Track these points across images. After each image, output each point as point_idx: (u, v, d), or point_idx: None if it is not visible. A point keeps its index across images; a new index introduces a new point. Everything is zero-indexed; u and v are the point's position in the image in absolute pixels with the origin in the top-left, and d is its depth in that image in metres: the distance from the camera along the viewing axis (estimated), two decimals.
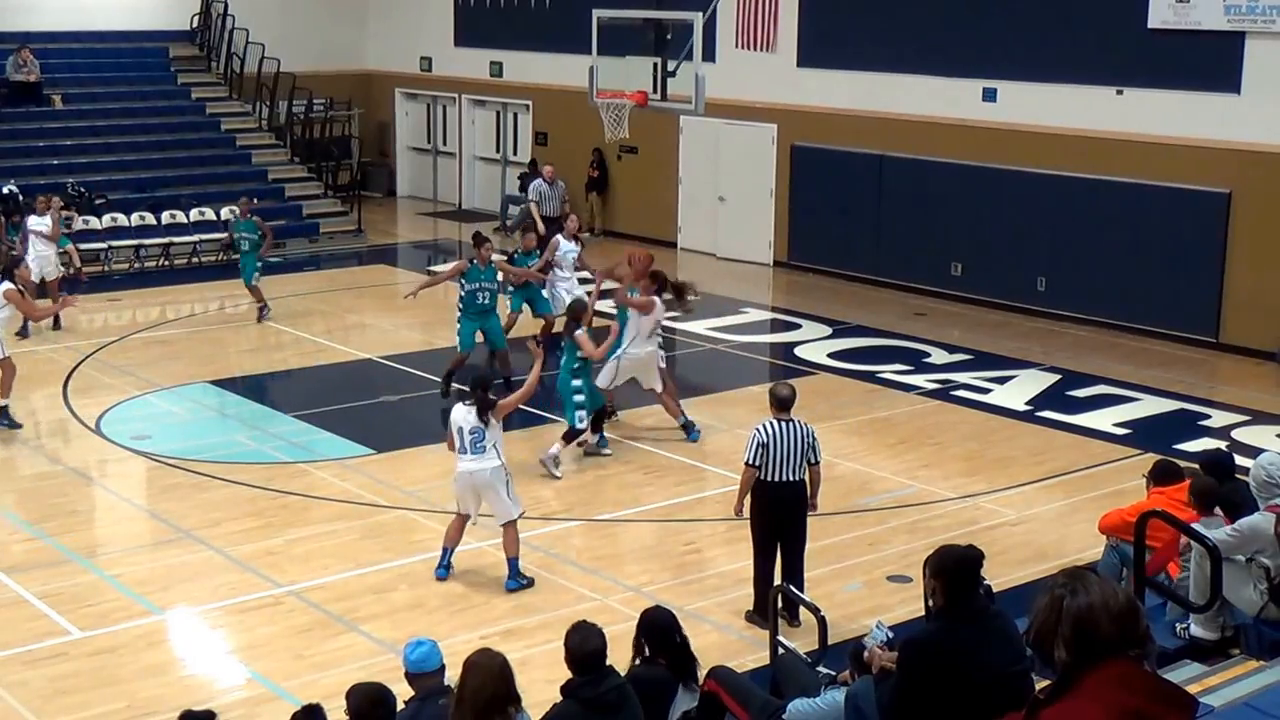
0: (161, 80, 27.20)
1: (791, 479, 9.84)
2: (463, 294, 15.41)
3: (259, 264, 18.84)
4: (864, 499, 12.71)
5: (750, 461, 9.84)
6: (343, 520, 12.05)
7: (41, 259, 18.38)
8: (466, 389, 11.08)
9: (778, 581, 9.72)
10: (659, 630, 6.98)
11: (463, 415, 10.59)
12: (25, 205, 21.84)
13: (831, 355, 17.62)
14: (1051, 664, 3.82)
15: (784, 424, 9.84)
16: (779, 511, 9.91)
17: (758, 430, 9.85)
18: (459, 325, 15.48)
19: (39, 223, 18.74)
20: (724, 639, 9.85)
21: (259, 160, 26.19)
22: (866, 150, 21.33)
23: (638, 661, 6.94)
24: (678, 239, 24.32)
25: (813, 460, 9.92)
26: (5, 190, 22.14)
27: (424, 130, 29.80)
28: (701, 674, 7.14)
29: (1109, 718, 3.68)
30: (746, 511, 10.09)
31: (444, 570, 10.81)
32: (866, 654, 6.72)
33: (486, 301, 15.39)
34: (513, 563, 10.70)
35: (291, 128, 27.02)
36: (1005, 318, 19.58)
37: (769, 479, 9.82)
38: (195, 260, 22.75)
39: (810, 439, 9.88)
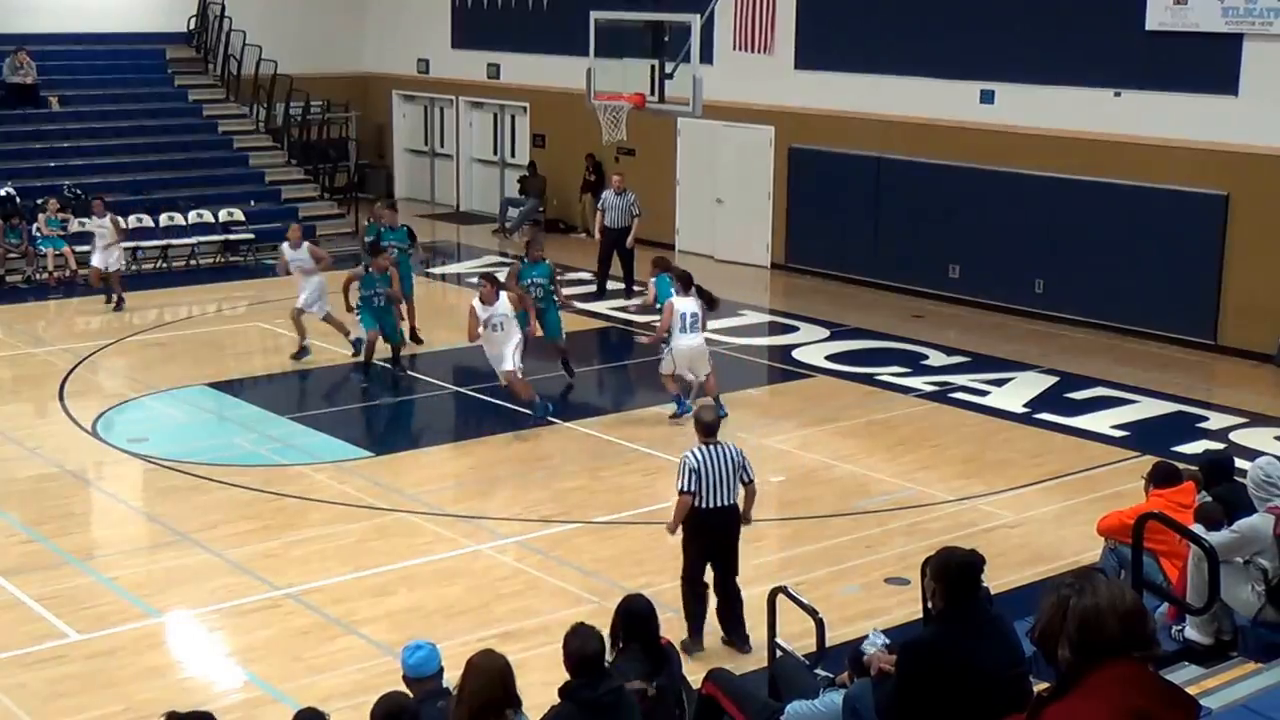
0: (158, 82, 27.15)
1: (724, 505, 9.68)
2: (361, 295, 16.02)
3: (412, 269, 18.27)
4: (862, 501, 12.71)
5: (685, 489, 9.65)
6: (341, 523, 12.04)
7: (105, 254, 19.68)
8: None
9: (712, 605, 9.73)
10: (636, 618, 7.02)
11: None
12: (25, 208, 21.85)
13: (829, 357, 17.61)
14: (1054, 663, 3.83)
15: (713, 448, 9.73)
16: (713, 538, 9.78)
17: (687, 456, 9.69)
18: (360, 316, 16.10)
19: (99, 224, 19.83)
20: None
21: (256, 162, 26.15)
22: (864, 152, 21.32)
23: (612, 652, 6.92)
24: (676, 241, 24.30)
25: (746, 480, 9.78)
26: (3, 192, 22.11)
27: (421, 132, 29.78)
28: (700, 676, 7.14)
29: (1113, 717, 3.68)
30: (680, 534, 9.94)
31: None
32: (865, 657, 6.72)
33: (380, 305, 16.14)
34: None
35: (289, 130, 27.00)
36: (1003, 320, 19.57)
37: (704, 505, 9.64)
38: (193, 262, 22.73)
39: (740, 459, 9.74)
